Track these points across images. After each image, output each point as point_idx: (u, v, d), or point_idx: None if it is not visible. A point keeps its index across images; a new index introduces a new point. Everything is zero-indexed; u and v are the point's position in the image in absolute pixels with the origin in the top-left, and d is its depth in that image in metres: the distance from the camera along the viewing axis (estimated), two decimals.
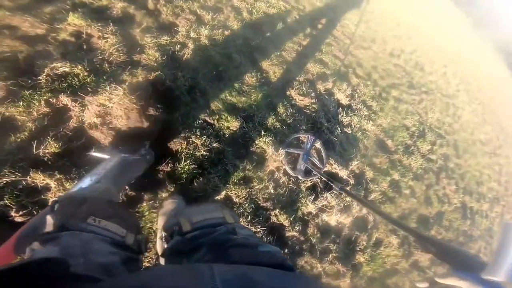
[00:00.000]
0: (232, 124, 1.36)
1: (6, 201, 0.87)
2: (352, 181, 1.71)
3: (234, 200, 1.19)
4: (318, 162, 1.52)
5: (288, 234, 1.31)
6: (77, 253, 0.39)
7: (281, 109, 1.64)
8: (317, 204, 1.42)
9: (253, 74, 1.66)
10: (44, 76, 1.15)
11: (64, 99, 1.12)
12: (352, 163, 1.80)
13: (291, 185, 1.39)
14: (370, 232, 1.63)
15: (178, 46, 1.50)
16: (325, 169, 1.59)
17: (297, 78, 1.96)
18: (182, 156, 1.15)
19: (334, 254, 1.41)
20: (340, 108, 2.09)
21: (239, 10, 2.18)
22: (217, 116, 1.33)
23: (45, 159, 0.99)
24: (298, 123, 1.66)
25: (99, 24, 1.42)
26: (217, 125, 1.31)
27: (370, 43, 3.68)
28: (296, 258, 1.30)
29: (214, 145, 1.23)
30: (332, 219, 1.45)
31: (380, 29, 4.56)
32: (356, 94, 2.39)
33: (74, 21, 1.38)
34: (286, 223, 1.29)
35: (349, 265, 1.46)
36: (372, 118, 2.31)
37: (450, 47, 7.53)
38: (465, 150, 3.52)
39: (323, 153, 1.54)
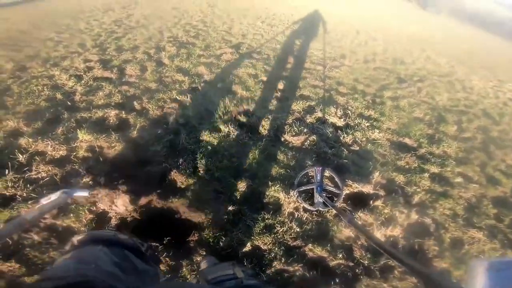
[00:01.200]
0: (240, 186, 1.88)
1: None
2: (382, 193, 2.06)
3: (263, 248, 1.59)
4: (334, 189, 1.86)
5: (333, 263, 1.61)
6: (89, 261, 0.60)
7: (280, 156, 2.22)
8: (354, 228, 1.79)
9: (244, 135, 2.32)
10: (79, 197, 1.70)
11: (101, 206, 1.64)
12: (373, 175, 2.19)
13: (316, 218, 1.80)
14: (438, 234, 1.86)
15: (172, 136, 2.16)
16: (346, 191, 1.94)
17: (285, 122, 2.65)
18: (204, 225, 1.62)
19: (399, 269, 1.61)
20: (339, 131, 2.67)
21: (212, 83, 3.04)
22: (224, 184, 1.85)
23: None
24: (302, 162, 2.21)
25: (104, 136, 2.08)
26: (227, 192, 1.82)
27: (341, 60, 4.78)
28: (354, 285, 1.52)
29: (230, 208, 1.72)
30: (377, 235, 1.76)
31: (344, 43, 5.88)
32: (349, 112, 3.04)
33: (84, 137, 2.07)
34: (324, 254, 1.63)
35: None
36: (375, 126, 2.87)
37: (418, 32, 9.21)
38: (500, 114, 4.04)
39: (336, 178, 1.88)
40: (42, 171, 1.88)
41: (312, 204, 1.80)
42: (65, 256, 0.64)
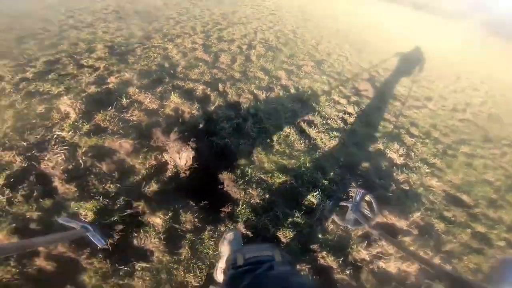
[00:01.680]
0: (283, 180, 2.03)
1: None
2: (414, 232, 2.01)
3: (282, 240, 1.70)
4: (369, 213, 1.89)
5: (337, 276, 1.64)
6: None
7: (329, 170, 2.29)
8: (371, 251, 1.77)
9: (301, 141, 2.46)
10: (153, 142, 2.11)
11: (166, 156, 2.01)
12: (413, 215, 2.13)
13: (340, 232, 1.83)
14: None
15: (241, 120, 2.44)
16: (379, 220, 1.95)
17: (342, 142, 2.67)
18: (240, 202, 1.83)
19: None
20: (394, 167, 2.61)
21: (287, 88, 3.25)
22: (270, 174, 2.05)
23: (149, 194, 1.79)
24: (347, 182, 2.23)
25: (189, 102, 2.49)
26: (270, 181, 2.01)
27: (424, 101, 4.41)
28: None
29: (266, 196, 1.89)
30: (391, 266, 1.73)
31: (435, 86, 5.35)
32: (413, 153, 2.91)
33: (174, 99, 2.51)
34: (334, 265, 1.66)
35: None
36: (436, 175, 2.70)
37: None
38: None
39: (374, 205, 1.84)
40: (134, 115, 2.38)
41: (342, 219, 1.84)
42: None
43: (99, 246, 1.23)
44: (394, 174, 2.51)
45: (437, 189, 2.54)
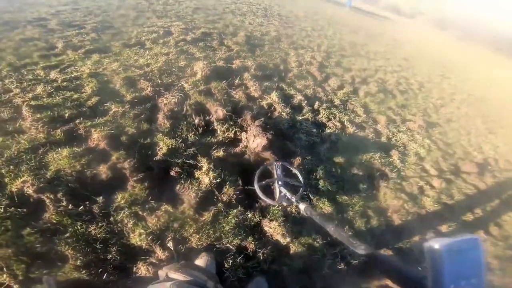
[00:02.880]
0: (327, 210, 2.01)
1: None
2: None
3: (291, 252, 1.72)
4: (295, 182, 1.70)
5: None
6: None
7: (373, 221, 2.12)
8: None
9: (364, 185, 2.33)
10: (241, 121, 2.44)
11: (243, 135, 2.30)
12: None
13: (345, 276, 1.71)
14: None
15: (319, 140, 2.50)
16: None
17: (405, 207, 2.39)
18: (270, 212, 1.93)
19: None
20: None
21: (379, 134, 3.06)
22: (318, 197, 2.05)
23: (213, 157, 2.10)
24: (385, 239, 2.03)
25: (283, 105, 2.74)
26: (314, 202, 2.02)
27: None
28: None
29: (302, 213, 1.92)
30: None
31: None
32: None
33: (273, 97, 2.80)
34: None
35: None
36: (473, 234, 2.09)
37: None
38: None
39: (294, 171, 1.75)
40: (238, 95, 2.78)
41: (274, 199, 1.64)
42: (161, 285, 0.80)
43: None
44: None
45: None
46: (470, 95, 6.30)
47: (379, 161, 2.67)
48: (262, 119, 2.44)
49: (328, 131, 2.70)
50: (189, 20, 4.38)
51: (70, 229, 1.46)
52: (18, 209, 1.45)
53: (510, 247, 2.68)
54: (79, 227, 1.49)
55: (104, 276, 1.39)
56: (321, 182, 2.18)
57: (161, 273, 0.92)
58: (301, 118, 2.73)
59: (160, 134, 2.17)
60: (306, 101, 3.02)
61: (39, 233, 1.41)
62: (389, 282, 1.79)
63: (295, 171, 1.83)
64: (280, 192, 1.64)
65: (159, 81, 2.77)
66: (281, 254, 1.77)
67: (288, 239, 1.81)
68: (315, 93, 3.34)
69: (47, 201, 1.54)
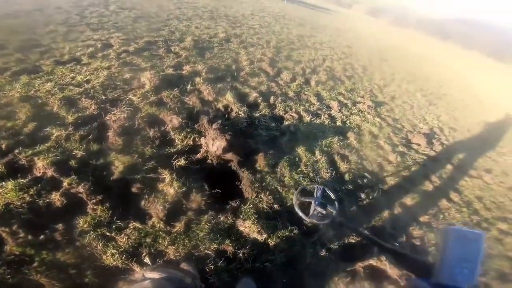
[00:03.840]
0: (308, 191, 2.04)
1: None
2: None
3: (271, 248, 1.72)
4: (330, 207, 1.79)
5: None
6: None
7: (344, 204, 2.22)
8: None
9: (328, 171, 2.43)
10: (198, 126, 2.36)
11: (202, 140, 2.23)
12: None
13: (330, 262, 1.76)
14: None
15: (278, 133, 2.54)
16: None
17: (369, 184, 2.54)
18: (248, 202, 1.91)
19: None
20: (415, 222, 2.37)
21: (334, 119, 3.23)
22: (286, 189, 2.08)
23: (175, 167, 2.01)
24: (358, 219, 2.13)
25: (239, 104, 2.72)
26: (283, 194, 2.04)
27: (481, 172, 3.81)
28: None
29: (275, 206, 1.93)
30: None
31: (503, 160, 4.58)
32: (442, 216, 2.62)
33: (228, 98, 2.76)
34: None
35: None
36: (481, 230, 2.38)
37: None
38: None
39: (332, 197, 1.86)
40: (192, 101, 2.69)
41: (307, 215, 1.73)
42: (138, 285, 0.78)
43: None
44: (410, 228, 2.30)
45: None
46: (408, 74, 7.02)
47: (338, 144, 2.82)
48: (220, 121, 2.39)
49: (286, 123, 2.75)
50: (130, 30, 4.10)
51: (36, 258, 1.40)
52: None
53: (475, 213, 3.00)
54: (45, 256, 1.42)
55: None
56: (287, 174, 2.21)
57: (138, 275, 0.94)
58: (258, 114, 2.74)
59: (114, 153, 2.01)
60: (261, 97, 3.05)
61: (5, 265, 1.35)
62: (372, 262, 1.91)
63: (332, 195, 1.91)
64: (315, 209, 1.75)
65: (104, 97, 2.54)
66: (261, 251, 1.77)
67: (265, 235, 1.81)
68: (269, 89, 3.38)
69: (3, 234, 1.42)
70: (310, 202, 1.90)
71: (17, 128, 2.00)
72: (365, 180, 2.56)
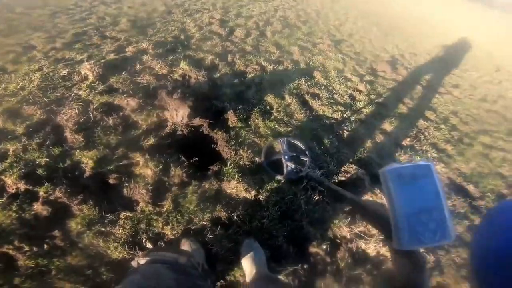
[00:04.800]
0: (276, 147, 1.98)
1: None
2: None
3: (263, 204, 1.70)
4: (302, 157, 1.77)
5: (312, 250, 1.61)
6: (151, 277, 0.68)
7: (326, 141, 2.20)
8: (353, 229, 1.70)
9: (302, 111, 2.39)
10: (158, 101, 2.17)
11: (166, 114, 2.06)
12: None
13: (326, 205, 1.76)
14: (430, 274, 1.68)
15: (244, 87, 2.41)
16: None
17: (346, 116, 2.53)
18: (229, 162, 1.84)
19: (366, 287, 1.53)
20: (399, 147, 2.44)
21: (297, 63, 3.13)
22: (264, 139, 2.01)
23: (145, 147, 1.86)
24: (343, 154, 2.14)
25: (196, 70, 2.52)
26: (262, 145, 1.97)
27: (450, 88, 3.98)
28: (316, 278, 1.53)
29: (256, 159, 1.86)
30: (371, 248, 1.64)
31: (467, 75, 4.84)
32: (423, 136, 2.71)
33: (183, 66, 2.54)
34: (312, 237, 1.62)
35: None
36: (444, 160, 2.51)
37: None
38: None
39: (301, 145, 1.81)
40: (145, 79, 2.45)
41: (282, 174, 1.69)
42: (133, 274, 0.74)
43: None
44: (396, 154, 2.35)
45: (442, 176, 2.34)
46: (360, 12, 6.90)
47: (306, 84, 2.75)
48: (179, 91, 2.21)
49: (250, 76, 2.61)
50: (50, 27, 3.56)
51: (51, 267, 1.40)
52: None
53: (454, 128, 3.10)
54: (58, 263, 1.42)
55: None
56: (260, 124, 2.13)
57: (134, 263, 0.87)
58: (219, 75, 2.57)
59: (78, 151, 1.85)
60: (218, 59, 2.84)
61: (29, 279, 1.36)
62: (367, 197, 1.90)
63: (299, 144, 1.81)
64: (287, 166, 1.66)
65: (46, 100, 2.24)
66: (255, 209, 1.73)
67: (253, 192, 1.77)
68: (225, 49, 3.16)
69: (10, 251, 1.41)
70: (280, 158, 1.78)
71: None
72: (340, 114, 2.55)
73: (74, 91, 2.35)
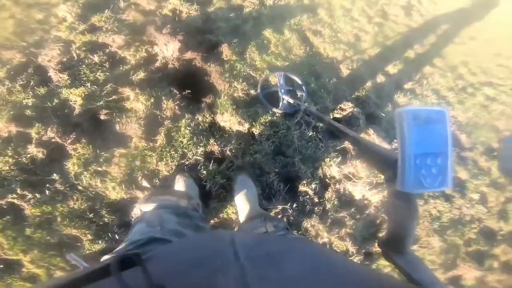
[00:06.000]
0: (272, 80, 1.86)
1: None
2: None
3: (256, 138, 1.64)
4: (299, 92, 1.78)
5: (302, 188, 1.61)
6: (155, 223, 0.69)
7: (324, 77, 2.06)
8: (343, 170, 1.67)
9: (301, 47, 2.20)
10: (146, 37, 1.99)
11: (156, 49, 1.91)
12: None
13: (318, 142, 1.72)
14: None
15: (240, 21, 2.18)
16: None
17: (348, 56, 2.35)
18: (223, 94, 1.74)
19: (347, 230, 1.59)
20: (399, 90, 2.32)
21: None
22: (260, 72, 1.88)
23: (135, 82, 1.76)
24: (341, 92, 2.03)
25: (188, 4, 2.27)
26: (258, 78, 1.85)
27: (466, 39, 3.64)
28: (303, 218, 1.57)
29: (251, 91, 1.76)
30: (357, 191, 1.65)
31: (486, 28, 4.33)
32: (426, 81, 2.55)
33: (174, 1, 2.29)
34: (303, 176, 1.61)
35: (361, 250, 1.58)
36: (442, 107, 2.40)
37: None
38: None
39: (298, 80, 1.79)
40: (130, 16, 2.22)
41: (277, 106, 1.72)
42: (138, 224, 0.74)
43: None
44: (395, 96, 2.24)
45: None
46: None
47: (308, 21, 2.48)
48: (169, 25, 2.02)
49: (247, 10, 2.35)
50: None
51: (57, 213, 1.43)
52: (4, 219, 1.40)
53: (460, 77, 2.88)
54: (62, 208, 1.45)
55: (117, 237, 1.42)
56: (257, 58, 1.97)
57: (136, 211, 0.89)
58: (213, 8, 2.31)
59: (65, 89, 1.76)
60: None
61: (39, 228, 1.40)
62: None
63: (296, 79, 1.79)
64: (283, 99, 1.67)
65: (24, 44, 2.09)
66: (248, 143, 1.69)
67: (247, 125, 1.70)
68: None
69: (16, 201, 1.44)
70: (276, 91, 1.76)
71: None
72: (342, 52, 2.35)
73: (53, 34, 2.17)
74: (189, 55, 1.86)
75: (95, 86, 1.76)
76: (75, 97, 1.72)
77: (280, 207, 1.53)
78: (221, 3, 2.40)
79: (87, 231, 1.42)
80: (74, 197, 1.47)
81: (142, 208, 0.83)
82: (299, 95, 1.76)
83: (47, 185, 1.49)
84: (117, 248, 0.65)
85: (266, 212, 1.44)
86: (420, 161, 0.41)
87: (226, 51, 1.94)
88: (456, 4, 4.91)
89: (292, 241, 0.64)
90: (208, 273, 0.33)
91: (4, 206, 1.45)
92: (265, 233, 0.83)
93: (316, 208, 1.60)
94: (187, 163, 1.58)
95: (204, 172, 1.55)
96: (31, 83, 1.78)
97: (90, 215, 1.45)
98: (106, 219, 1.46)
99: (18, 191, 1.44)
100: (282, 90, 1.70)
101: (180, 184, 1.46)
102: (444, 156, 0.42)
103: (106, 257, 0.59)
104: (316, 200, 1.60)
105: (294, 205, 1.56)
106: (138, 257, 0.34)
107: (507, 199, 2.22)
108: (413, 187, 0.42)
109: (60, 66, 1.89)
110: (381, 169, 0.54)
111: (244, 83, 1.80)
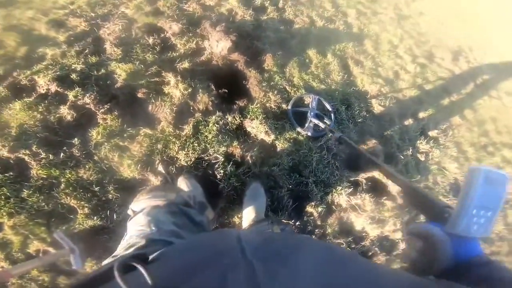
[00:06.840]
0: (306, 100, 1.94)
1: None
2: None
3: (278, 150, 1.72)
4: (326, 119, 1.82)
5: (308, 209, 1.66)
6: (152, 225, 0.67)
7: (354, 108, 2.10)
8: (351, 200, 1.71)
9: (340, 74, 2.25)
10: (200, 30, 2.13)
11: (206, 43, 2.05)
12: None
13: (335, 169, 1.76)
14: (393, 258, 1.70)
15: (288, 36, 2.28)
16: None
17: (383, 91, 2.37)
18: (256, 101, 1.84)
19: None
20: (423, 136, 2.31)
21: (350, 26, 2.85)
22: (296, 89, 1.96)
23: (179, 69, 1.89)
24: (367, 126, 2.06)
25: (244, 8, 2.40)
26: (292, 93, 1.93)
27: (502, 94, 3.51)
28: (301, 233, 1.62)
29: (283, 106, 1.84)
30: (359, 222, 1.68)
31: None
32: (451, 132, 2.54)
33: (232, 2, 2.43)
34: (312, 197, 1.66)
35: None
36: (460, 161, 2.38)
37: None
38: None
39: (329, 108, 1.84)
40: (191, 7, 2.38)
41: (302, 126, 1.77)
42: (133, 222, 0.74)
43: (74, 268, 1.21)
44: (418, 141, 2.23)
45: (450, 174, 2.24)
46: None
47: (353, 49, 2.53)
48: (224, 24, 2.15)
49: (297, 26, 2.45)
50: None
51: (62, 179, 1.41)
52: (6, 174, 1.37)
53: (485, 134, 2.81)
54: (69, 175, 1.43)
55: (114, 217, 1.40)
56: (296, 74, 2.05)
57: (129, 212, 0.86)
58: (266, 18, 2.43)
59: (114, 62, 1.89)
60: (269, 2, 2.66)
61: (37, 192, 1.37)
62: (375, 174, 1.86)
63: (328, 106, 1.84)
64: (310, 121, 1.72)
65: (93, 15, 2.29)
66: (269, 154, 1.73)
67: (272, 136, 1.76)
68: None
69: (26, 158, 1.42)
70: (306, 112, 1.80)
71: (9, 54, 1.88)
72: (378, 87, 2.37)
73: (121, 9, 2.37)
74: (235, 56, 1.98)
75: (142, 65, 1.90)
76: (121, 71, 1.85)
77: (284, 221, 1.57)
78: (274, 14, 2.52)
79: (86, 204, 1.37)
80: (87, 166, 1.45)
81: (133, 207, 0.82)
82: (327, 122, 1.81)
83: (64, 147, 1.48)
84: (115, 252, 0.63)
85: (273, 216, 1.50)
86: (476, 211, 0.48)
87: (269, 60, 2.04)
88: (505, 56, 4.72)
89: (300, 238, 0.62)
90: (218, 272, 0.34)
91: (11, 161, 1.41)
92: (271, 232, 0.84)
93: (316, 230, 1.64)
94: (206, 158, 1.61)
95: (222, 171, 1.57)
96: (86, 51, 1.95)
97: (96, 188, 1.41)
98: (110, 196, 1.42)
99: (34, 148, 1.42)
100: (312, 113, 1.74)
101: (183, 185, 1.45)
102: (494, 212, 0.50)
103: (106, 261, 0.58)
104: (318, 222, 1.65)
105: (297, 223, 1.60)
106: (143, 259, 0.35)
107: None
108: (463, 231, 0.48)
109: (117, 41, 2.06)
110: (425, 210, 0.62)
111: (279, 95, 1.88)
